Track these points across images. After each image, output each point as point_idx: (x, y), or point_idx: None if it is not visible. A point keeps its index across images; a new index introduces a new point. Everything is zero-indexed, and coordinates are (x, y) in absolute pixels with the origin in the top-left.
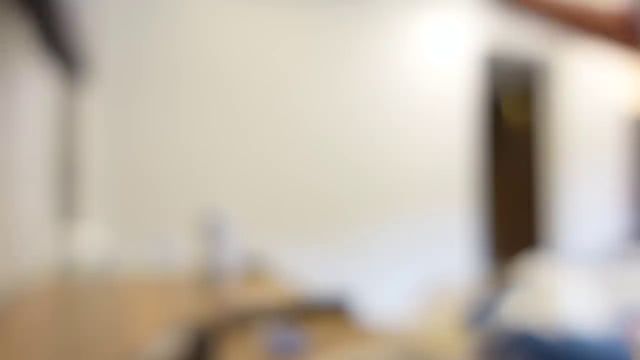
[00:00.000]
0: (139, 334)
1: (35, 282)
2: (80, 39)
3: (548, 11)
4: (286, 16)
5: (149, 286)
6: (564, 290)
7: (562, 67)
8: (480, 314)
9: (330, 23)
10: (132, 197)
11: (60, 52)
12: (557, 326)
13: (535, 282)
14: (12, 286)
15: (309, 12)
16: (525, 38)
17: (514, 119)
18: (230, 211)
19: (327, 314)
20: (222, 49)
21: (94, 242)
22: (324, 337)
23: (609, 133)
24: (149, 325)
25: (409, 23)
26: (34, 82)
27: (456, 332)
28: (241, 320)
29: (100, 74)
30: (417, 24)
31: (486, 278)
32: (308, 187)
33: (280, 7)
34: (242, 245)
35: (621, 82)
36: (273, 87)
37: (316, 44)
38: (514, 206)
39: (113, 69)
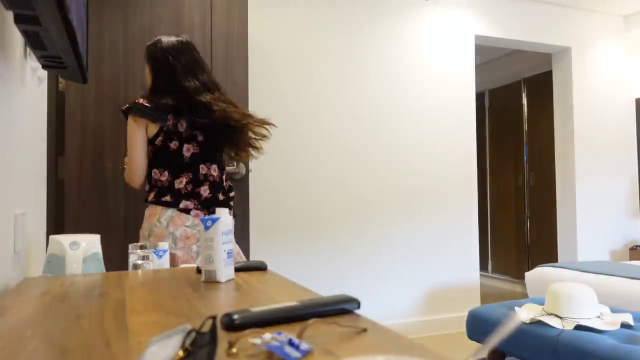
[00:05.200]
0: (136, 336)
1: (25, 284)
2: (78, 39)
3: None
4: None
5: (145, 287)
6: (576, 294)
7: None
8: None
9: (341, 27)
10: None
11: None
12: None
13: (550, 287)
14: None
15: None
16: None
17: (528, 114)
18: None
19: (332, 315)
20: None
21: (84, 243)
22: (328, 340)
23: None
24: (146, 327)
25: (419, 25)
26: (30, 82)
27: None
28: (242, 321)
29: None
30: (426, 26)
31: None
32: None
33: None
34: (246, 246)
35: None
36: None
37: (326, 51)
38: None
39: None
